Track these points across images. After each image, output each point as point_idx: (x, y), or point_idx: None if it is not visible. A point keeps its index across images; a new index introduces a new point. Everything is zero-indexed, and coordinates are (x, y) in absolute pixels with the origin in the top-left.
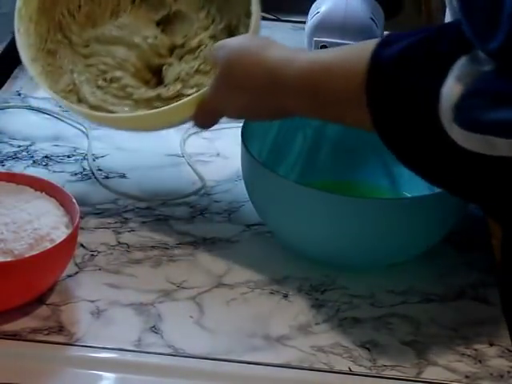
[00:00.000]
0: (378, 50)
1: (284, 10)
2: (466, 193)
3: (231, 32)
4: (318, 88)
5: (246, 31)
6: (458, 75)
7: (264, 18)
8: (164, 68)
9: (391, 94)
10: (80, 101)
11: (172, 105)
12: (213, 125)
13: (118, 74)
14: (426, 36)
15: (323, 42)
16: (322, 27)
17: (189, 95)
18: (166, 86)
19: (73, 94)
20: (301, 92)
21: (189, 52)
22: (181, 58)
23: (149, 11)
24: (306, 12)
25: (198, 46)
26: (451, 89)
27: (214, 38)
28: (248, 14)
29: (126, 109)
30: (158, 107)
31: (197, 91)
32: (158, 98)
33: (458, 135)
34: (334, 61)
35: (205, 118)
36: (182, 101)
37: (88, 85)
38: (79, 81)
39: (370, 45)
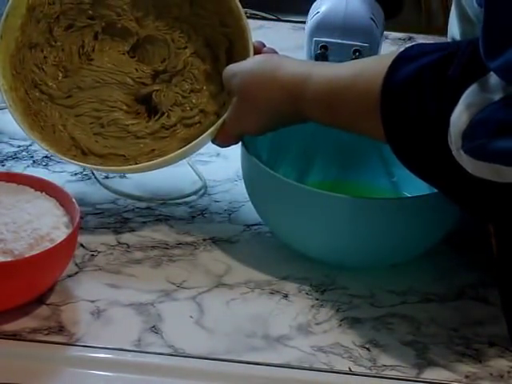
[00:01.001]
0: (392, 68)
1: (284, 10)
2: (470, 206)
3: (210, 44)
4: (335, 103)
5: (225, 40)
6: (466, 104)
7: (264, 18)
8: (154, 95)
9: (403, 114)
10: (85, 153)
11: (196, 141)
12: (234, 144)
13: (113, 115)
14: (439, 58)
15: (323, 41)
16: (322, 27)
17: (190, 117)
18: (163, 113)
19: (76, 148)
20: (317, 105)
21: (176, 74)
22: (168, 82)
23: (116, 43)
24: (305, 12)
25: (184, 67)
26: (460, 117)
27: (196, 54)
28: (222, 23)
29: (142, 145)
30: (164, 137)
31: (198, 112)
32: (163, 127)
33: (467, 162)
34: (350, 79)
35: (228, 141)
36: (204, 134)
37: (86, 135)
38: (75, 134)
39: (386, 61)
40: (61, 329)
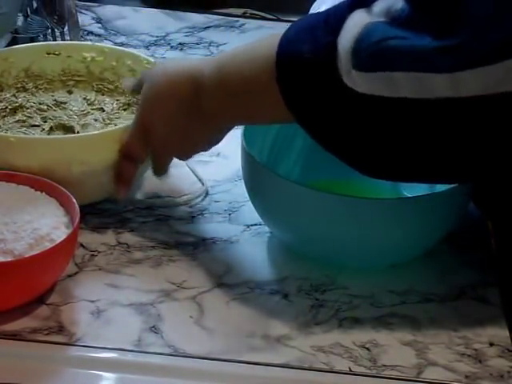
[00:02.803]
0: (287, 29)
1: (284, 10)
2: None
3: None
4: (230, 78)
5: None
6: (351, 25)
7: (264, 18)
8: None
9: (298, 68)
10: None
11: (92, 132)
12: (141, 157)
13: None
14: (329, 7)
15: None
16: None
17: None
18: None
19: None
20: (216, 89)
21: None
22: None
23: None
24: (305, 12)
25: None
26: (345, 37)
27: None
28: None
29: None
30: None
31: None
32: None
33: (359, 81)
34: (244, 49)
35: (134, 144)
36: (108, 129)
37: None
38: None
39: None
40: (61, 329)
